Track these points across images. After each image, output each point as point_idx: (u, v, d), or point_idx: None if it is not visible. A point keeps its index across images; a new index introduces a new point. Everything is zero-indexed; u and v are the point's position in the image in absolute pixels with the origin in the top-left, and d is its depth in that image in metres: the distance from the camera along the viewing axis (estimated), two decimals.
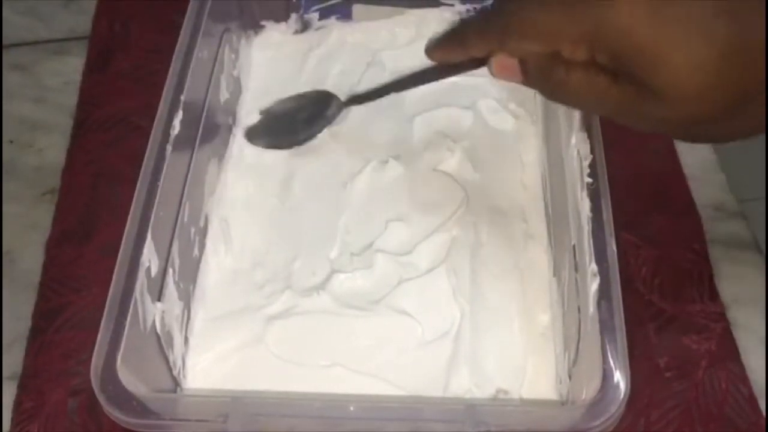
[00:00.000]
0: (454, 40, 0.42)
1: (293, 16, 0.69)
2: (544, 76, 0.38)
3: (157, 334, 0.47)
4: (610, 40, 0.33)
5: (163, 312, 0.48)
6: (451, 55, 0.43)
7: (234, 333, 0.53)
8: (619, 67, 0.34)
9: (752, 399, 0.52)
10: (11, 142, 0.67)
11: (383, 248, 0.56)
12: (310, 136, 0.61)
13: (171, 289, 0.49)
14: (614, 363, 0.40)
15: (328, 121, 0.60)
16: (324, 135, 0.63)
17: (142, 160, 0.48)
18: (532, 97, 0.65)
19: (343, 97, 0.60)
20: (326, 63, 0.69)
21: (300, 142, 0.61)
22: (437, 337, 0.52)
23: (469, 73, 0.66)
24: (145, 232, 0.45)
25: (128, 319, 0.42)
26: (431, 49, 0.44)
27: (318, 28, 0.70)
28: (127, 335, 0.42)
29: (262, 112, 0.63)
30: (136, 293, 0.43)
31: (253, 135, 0.63)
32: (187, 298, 0.53)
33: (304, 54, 0.69)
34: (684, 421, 0.51)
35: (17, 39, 0.75)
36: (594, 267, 0.44)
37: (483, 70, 0.66)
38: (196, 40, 0.55)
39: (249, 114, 0.65)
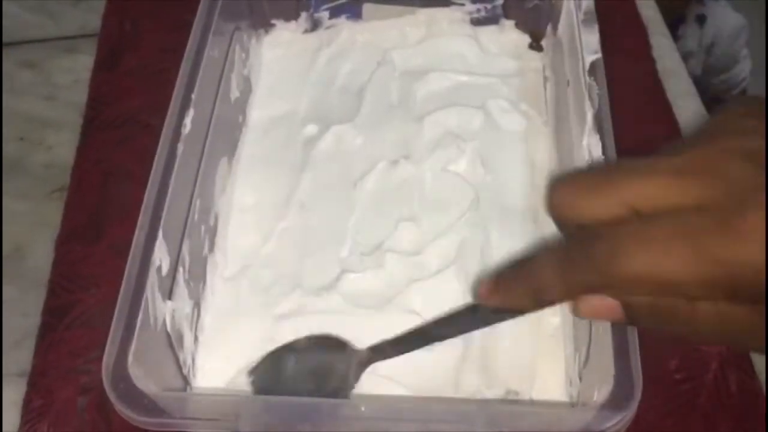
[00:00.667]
0: (519, 279, 0.34)
1: (303, 15, 0.69)
2: (660, 317, 0.30)
3: (167, 332, 0.47)
4: (747, 280, 0.27)
5: (174, 311, 0.48)
6: (514, 298, 0.35)
7: (244, 332, 0.53)
8: (754, 298, 0.28)
9: (762, 401, 0.52)
10: (21, 139, 0.67)
11: (393, 248, 0.56)
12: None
13: (181, 287, 0.49)
14: (626, 365, 0.40)
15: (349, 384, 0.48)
16: (333, 135, 0.63)
17: (151, 158, 0.48)
18: (543, 97, 0.65)
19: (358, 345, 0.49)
20: (336, 62, 0.69)
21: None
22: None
23: (480, 72, 0.67)
24: (156, 230, 0.45)
25: (139, 317, 0.42)
26: (485, 289, 0.35)
27: (328, 27, 0.70)
28: (138, 334, 0.42)
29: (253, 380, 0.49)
30: (147, 292, 0.43)
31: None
32: (197, 297, 0.53)
33: (314, 53, 0.69)
34: (693, 424, 0.51)
35: (27, 36, 0.75)
36: None
37: (495, 70, 0.67)
38: (207, 39, 0.55)
39: (259, 112, 0.65)
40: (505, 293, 0.35)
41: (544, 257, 0.33)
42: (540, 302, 0.34)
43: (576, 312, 0.33)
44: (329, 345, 0.50)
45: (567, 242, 0.32)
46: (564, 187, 0.32)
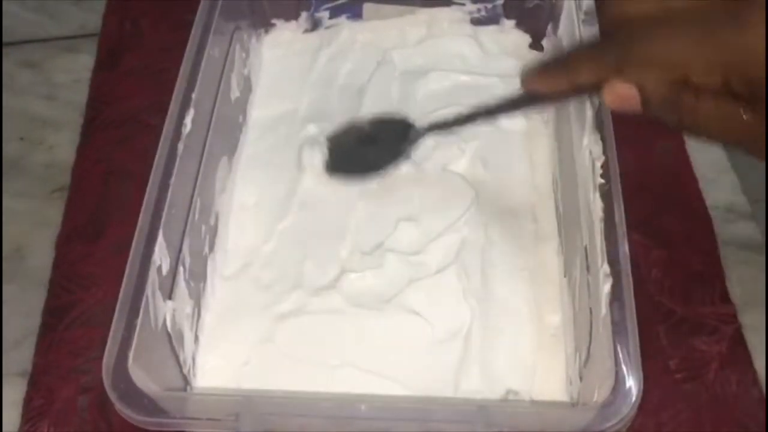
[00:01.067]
0: (557, 66, 0.39)
1: (304, 14, 0.69)
2: (669, 106, 0.35)
3: (168, 332, 0.47)
4: (747, 67, 0.32)
5: (174, 310, 0.48)
6: (553, 82, 0.39)
7: (244, 332, 0.53)
8: (755, 94, 0.32)
9: (763, 401, 0.52)
10: (21, 139, 0.67)
11: (394, 248, 0.56)
12: (387, 167, 0.54)
13: (182, 287, 0.49)
14: (627, 365, 0.40)
15: (406, 153, 0.53)
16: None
17: (152, 158, 0.48)
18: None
19: (418, 124, 0.53)
20: (336, 62, 0.69)
21: (378, 174, 0.54)
22: (447, 337, 0.52)
23: (480, 72, 0.67)
24: (157, 230, 0.45)
25: (140, 317, 0.42)
26: (528, 78, 0.40)
27: (328, 27, 0.70)
28: (139, 333, 0.42)
29: (329, 139, 0.57)
30: (148, 291, 0.43)
31: (331, 168, 0.56)
32: (197, 297, 0.53)
33: (314, 52, 0.69)
34: (694, 423, 0.51)
35: (28, 36, 0.75)
36: (606, 268, 0.43)
37: (495, 70, 0.67)
38: (207, 39, 0.55)
39: (259, 111, 0.65)
40: (547, 78, 0.40)
41: (580, 47, 0.42)
42: (575, 86, 0.38)
43: (602, 98, 0.37)
44: (393, 120, 0.55)
45: (600, 36, 0.38)
46: None
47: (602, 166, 0.47)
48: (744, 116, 0.33)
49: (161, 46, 0.72)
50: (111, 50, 0.73)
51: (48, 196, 0.63)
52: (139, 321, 0.42)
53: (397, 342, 0.52)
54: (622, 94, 0.36)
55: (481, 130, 0.62)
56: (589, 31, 0.54)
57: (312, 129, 0.63)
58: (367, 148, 0.55)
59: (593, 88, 0.37)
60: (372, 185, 0.59)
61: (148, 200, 0.46)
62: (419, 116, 0.63)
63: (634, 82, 0.35)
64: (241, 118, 0.64)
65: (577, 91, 0.39)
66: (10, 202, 0.63)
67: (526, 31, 0.69)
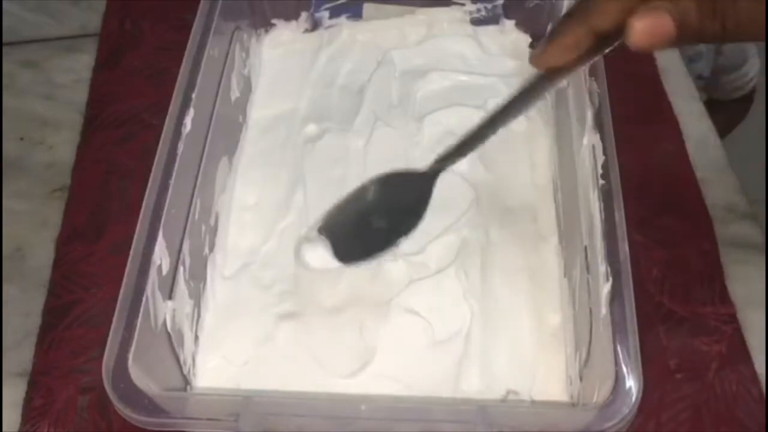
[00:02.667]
0: (573, 18, 0.36)
1: (303, 14, 0.69)
2: (709, 15, 0.32)
3: (167, 332, 0.47)
4: None
5: (174, 310, 0.48)
6: (572, 40, 0.36)
7: (244, 332, 0.53)
8: None
9: (763, 401, 0.52)
10: (21, 139, 0.67)
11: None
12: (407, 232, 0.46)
13: (182, 287, 0.49)
14: (627, 365, 0.40)
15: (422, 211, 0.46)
16: (333, 135, 0.63)
17: (152, 157, 0.48)
18: (544, 97, 0.65)
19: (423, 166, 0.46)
20: (336, 61, 0.69)
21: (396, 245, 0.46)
22: (447, 337, 0.52)
23: (480, 72, 0.67)
24: (157, 230, 0.45)
25: (140, 317, 0.42)
26: (541, 52, 0.38)
27: (328, 27, 0.70)
28: (139, 333, 0.42)
29: (324, 229, 0.47)
30: (148, 291, 0.44)
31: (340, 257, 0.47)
32: (197, 297, 0.53)
33: (314, 52, 0.69)
34: (694, 423, 0.51)
35: (28, 36, 0.75)
36: (606, 269, 0.44)
37: (495, 70, 0.67)
38: (207, 39, 0.55)
39: (259, 111, 0.65)
40: (564, 38, 0.36)
41: None
42: (597, 34, 0.35)
43: (629, 36, 0.33)
44: (391, 181, 0.47)
45: None
46: None
47: (602, 166, 0.47)
48: None
49: (161, 46, 0.72)
50: (111, 50, 0.73)
51: (48, 196, 0.63)
52: (139, 321, 0.42)
53: (397, 342, 0.52)
54: (653, 24, 0.33)
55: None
56: None
57: (312, 129, 0.63)
58: (374, 221, 0.47)
59: (617, 32, 0.34)
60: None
61: (148, 200, 0.46)
62: (419, 116, 0.63)
63: (663, 8, 0.33)
64: (241, 118, 0.64)
65: (599, 44, 0.36)
66: (10, 202, 0.63)
67: (526, 31, 0.69)
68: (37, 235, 0.61)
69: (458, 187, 0.59)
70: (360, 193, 0.47)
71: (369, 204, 0.47)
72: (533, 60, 0.39)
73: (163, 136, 0.49)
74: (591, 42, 0.36)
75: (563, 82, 0.39)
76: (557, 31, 0.37)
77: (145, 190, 0.47)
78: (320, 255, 0.47)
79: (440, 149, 0.60)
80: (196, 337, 0.52)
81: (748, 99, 1.12)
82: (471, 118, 0.61)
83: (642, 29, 0.33)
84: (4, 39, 0.74)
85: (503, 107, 0.41)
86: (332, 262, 0.46)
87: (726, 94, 1.10)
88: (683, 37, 0.33)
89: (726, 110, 1.10)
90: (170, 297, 0.47)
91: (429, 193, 0.46)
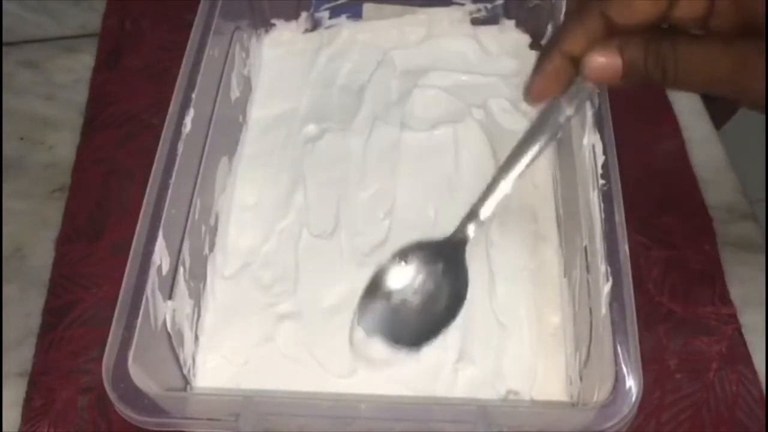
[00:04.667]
0: (548, 48, 0.39)
1: (303, 14, 0.69)
2: (653, 60, 0.35)
3: (167, 332, 0.47)
4: None
5: (174, 310, 0.48)
6: (551, 68, 0.39)
7: (244, 332, 0.53)
8: (741, 16, 0.33)
9: (763, 401, 0.52)
10: (21, 139, 0.67)
11: (394, 248, 0.56)
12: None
13: (182, 287, 0.49)
14: (627, 365, 0.40)
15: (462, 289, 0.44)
16: (333, 135, 0.63)
17: (152, 157, 0.48)
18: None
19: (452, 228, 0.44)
20: (336, 61, 0.69)
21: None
22: (447, 336, 0.52)
23: (480, 72, 0.67)
24: (157, 230, 0.45)
25: (139, 317, 0.42)
26: (528, 88, 0.40)
27: (328, 27, 0.70)
28: (138, 333, 0.42)
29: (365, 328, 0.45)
30: (147, 291, 0.43)
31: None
32: (197, 297, 0.53)
33: (314, 52, 0.69)
34: (694, 423, 0.51)
35: (28, 36, 0.75)
36: (606, 269, 0.43)
37: (495, 70, 0.67)
38: (207, 39, 0.55)
39: (259, 111, 0.65)
40: (544, 70, 0.39)
41: (567, 20, 0.39)
42: (572, 59, 0.37)
43: (583, 70, 0.37)
44: (416, 254, 0.45)
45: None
46: None
47: (602, 166, 0.47)
48: (729, 50, 0.33)
49: (161, 46, 0.72)
50: (111, 50, 0.73)
51: (48, 196, 0.63)
52: (139, 321, 0.42)
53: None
54: (604, 63, 0.36)
55: (480, 131, 0.63)
56: None
57: (312, 129, 0.63)
58: (415, 304, 0.45)
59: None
60: (371, 187, 0.59)
61: (148, 200, 0.46)
62: (417, 126, 0.63)
63: (616, 47, 0.36)
64: (241, 118, 0.64)
65: (574, 72, 0.38)
66: (10, 202, 0.63)
67: (526, 31, 0.69)
68: (37, 235, 0.61)
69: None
70: (389, 273, 0.45)
71: (404, 284, 0.45)
72: (526, 99, 0.40)
73: (163, 136, 0.49)
74: (570, 67, 0.38)
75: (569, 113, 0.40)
76: (537, 64, 0.39)
77: (145, 190, 0.46)
78: (378, 347, 0.45)
79: (440, 149, 0.61)
80: (196, 337, 0.52)
81: None
82: (471, 118, 0.63)
83: (594, 66, 0.36)
84: (4, 39, 0.74)
85: (513, 153, 0.42)
86: (391, 350, 0.44)
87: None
88: (630, 78, 0.37)
89: (720, 100, 1.09)
90: (170, 297, 0.47)
91: (464, 266, 0.44)
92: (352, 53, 0.69)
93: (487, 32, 0.69)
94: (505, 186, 0.42)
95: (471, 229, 0.44)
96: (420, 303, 0.45)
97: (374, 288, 0.45)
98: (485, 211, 0.43)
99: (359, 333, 0.46)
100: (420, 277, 0.45)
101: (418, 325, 0.44)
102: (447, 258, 0.44)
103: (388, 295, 0.45)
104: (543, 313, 0.53)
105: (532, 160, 0.41)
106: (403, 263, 0.45)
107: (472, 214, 0.43)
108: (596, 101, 0.51)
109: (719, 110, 0.70)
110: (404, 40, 0.69)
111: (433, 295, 0.44)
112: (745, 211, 0.61)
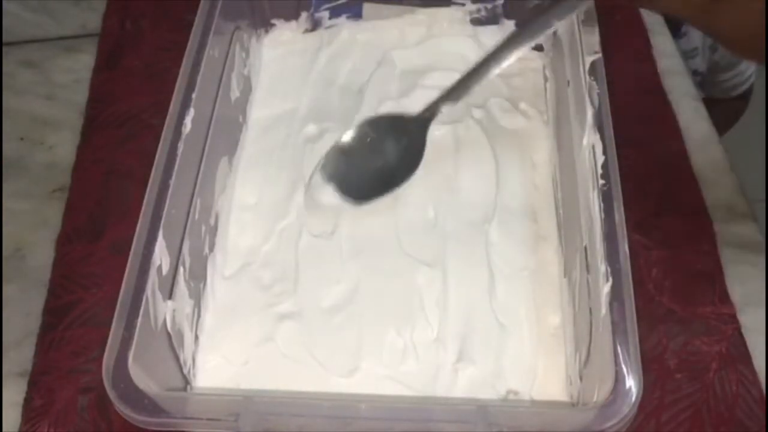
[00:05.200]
0: None
1: (303, 14, 0.69)
2: None
3: (168, 332, 0.47)
4: None
5: (174, 310, 0.48)
6: None
7: (244, 332, 0.53)
8: None
9: (763, 401, 0.52)
10: (21, 139, 0.67)
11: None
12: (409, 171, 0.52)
13: (182, 287, 0.49)
14: (626, 365, 0.40)
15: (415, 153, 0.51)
16: (335, 134, 0.63)
17: (152, 158, 0.48)
18: (544, 97, 0.65)
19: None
20: (336, 61, 0.69)
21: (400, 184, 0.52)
22: (447, 336, 0.52)
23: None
24: (157, 230, 0.45)
25: (140, 317, 0.42)
26: None
27: (328, 27, 0.70)
28: (139, 333, 0.42)
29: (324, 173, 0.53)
30: (148, 291, 0.44)
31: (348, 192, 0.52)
32: (197, 297, 0.53)
33: (314, 52, 0.69)
34: (694, 423, 0.51)
35: (28, 36, 0.75)
36: (606, 269, 0.44)
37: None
38: (207, 39, 0.55)
39: (259, 111, 0.65)
40: None
41: None
42: None
43: None
44: (384, 125, 0.52)
45: None
46: None
47: (602, 166, 0.47)
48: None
49: (162, 46, 0.72)
50: (112, 50, 0.73)
51: (48, 196, 0.63)
52: (139, 321, 0.42)
53: (396, 342, 0.52)
54: None
55: (480, 131, 0.62)
56: (589, 32, 0.54)
57: (312, 129, 0.63)
58: (373, 163, 0.52)
59: None
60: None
61: (148, 200, 0.46)
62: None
63: None
64: (241, 118, 0.64)
65: None
66: (10, 202, 0.63)
67: None
68: (37, 235, 0.61)
69: None
70: (357, 135, 0.52)
71: (367, 146, 0.52)
72: None
73: (163, 136, 0.49)
74: None
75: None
76: None
77: (145, 190, 0.47)
78: (329, 194, 0.52)
79: (440, 149, 0.61)
80: (196, 337, 0.52)
81: (744, 98, 1.12)
82: (471, 117, 0.63)
83: None
84: (4, 39, 0.74)
85: (491, 53, 0.46)
86: (340, 200, 0.52)
87: (722, 92, 1.10)
88: None
89: (723, 108, 1.10)
90: (170, 297, 0.47)
91: (423, 141, 0.50)
92: (352, 53, 0.69)
93: (486, 32, 0.69)
94: (484, 74, 0.48)
95: (442, 108, 0.49)
96: (376, 166, 0.52)
97: (341, 146, 0.53)
98: (460, 94, 0.49)
99: (317, 178, 0.53)
100: (381, 144, 0.52)
101: (369, 183, 0.52)
102: (411, 132, 0.51)
103: (350, 152, 0.52)
104: (543, 313, 0.53)
105: (515, 56, 0.47)
106: (370, 129, 0.52)
107: (448, 95, 0.49)
108: (596, 101, 0.51)
109: (719, 119, 0.70)
110: (404, 40, 0.69)
111: (389, 162, 0.52)
112: (745, 211, 0.61)
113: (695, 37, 1.02)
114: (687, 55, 1.02)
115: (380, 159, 0.52)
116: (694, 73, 1.05)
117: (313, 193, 0.54)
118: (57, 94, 0.70)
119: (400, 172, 0.51)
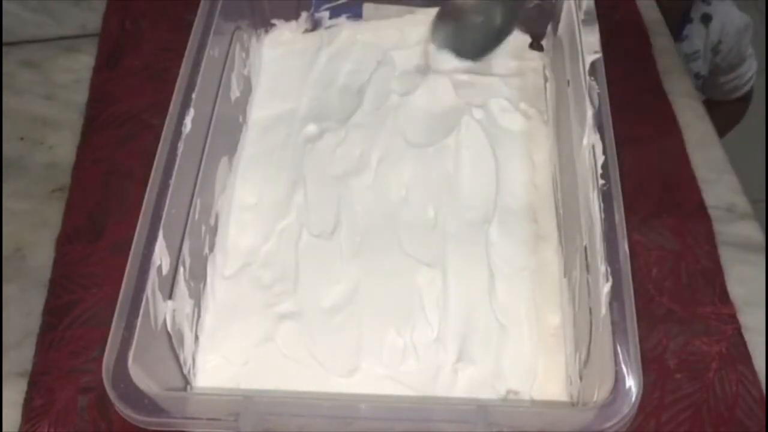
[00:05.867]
0: None
1: (304, 14, 0.69)
2: None
3: (168, 332, 0.47)
4: None
5: (174, 310, 0.48)
6: None
7: (244, 332, 0.53)
8: None
9: (763, 401, 0.52)
10: (21, 139, 0.67)
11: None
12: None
13: (182, 287, 0.49)
14: (626, 365, 0.40)
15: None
16: (335, 134, 0.63)
17: (152, 158, 0.48)
18: (544, 97, 0.65)
19: None
20: (336, 61, 0.69)
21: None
22: (448, 336, 0.52)
23: (480, 72, 0.67)
24: (157, 230, 0.45)
25: (140, 317, 0.42)
26: None
27: (328, 27, 0.70)
28: (139, 333, 0.42)
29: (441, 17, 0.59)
30: (148, 291, 0.44)
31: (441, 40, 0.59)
32: (197, 297, 0.53)
33: (314, 52, 0.69)
34: (694, 423, 0.51)
35: (28, 36, 0.75)
36: (606, 269, 0.44)
37: (495, 70, 0.67)
38: (208, 39, 0.55)
39: (259, 111, 0.65)
40: None
41: None
42: None
43: None
44: None
45: None
46: None
47: (602, 166, 0.47)
48: None
49: (162, 46, 0.72)
50: (111, 50, 0.73)
51: (48, 195, 0.63)
52: (139, 321, 0.42)
53: (396, 342, 0.52)
54: None
55: (480, 131, 0.62)
56: (589, 32, 0.54)
57: (312, 129, 0.63)
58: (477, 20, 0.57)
59: None
60: (371, 187, 0.59)
61: (148, 200, 0.46)
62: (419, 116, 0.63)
63: None
64: (241, 118, 0.64)
65: None
66: (10, 202, 0.63)
67: (526, 31, 0.69)
68: (37, 235, 0.61)
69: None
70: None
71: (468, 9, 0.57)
72: None
73: (163, 136, 0.49)
74: None
75: None
76: None
77: (145, 190, 0.47)
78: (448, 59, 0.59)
79: (440, 149, 0.61)
80: (196, 337, 0.52)
81: (745, 100, 1.12)
82: (471, 118, 0.63)
83: None
84: (4, 39, 0.74)
85: None
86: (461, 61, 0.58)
87: (723, 94, 1.10)
88: None
89: (723, 111, 1.10)
90: (170, 297, 0.47)
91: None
92: (352, 53, 0.69)
93: None
94: None
95: None
96: (482, 21, 0.57)
97: (444, 12, 0.58)
98: None
99: (431, 47, 0.59)
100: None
101: (481, 40, 0.57)
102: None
103: (457, 15, 0.58)
104: (543, 313, 0.53)
105: None
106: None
107: None
108: (596, 101, 0.51)
109: (720, 121, 0.70)
110: (404, 40, 0.69)
111: (492, 15, 0.57)
112: (745, 211, 0.61)
113: (697, 40, 1.02)
114: (688, 58, 1.03)
115: (483, 15, 0.57)
116: (696, 75, 1.05)
117: (431, 60, 0.60)
118: (57, 94, 0.70)
119: (505, 21, 0.56)
